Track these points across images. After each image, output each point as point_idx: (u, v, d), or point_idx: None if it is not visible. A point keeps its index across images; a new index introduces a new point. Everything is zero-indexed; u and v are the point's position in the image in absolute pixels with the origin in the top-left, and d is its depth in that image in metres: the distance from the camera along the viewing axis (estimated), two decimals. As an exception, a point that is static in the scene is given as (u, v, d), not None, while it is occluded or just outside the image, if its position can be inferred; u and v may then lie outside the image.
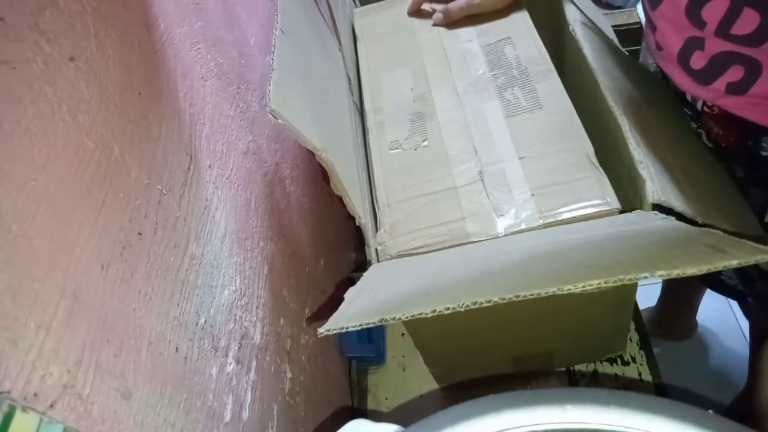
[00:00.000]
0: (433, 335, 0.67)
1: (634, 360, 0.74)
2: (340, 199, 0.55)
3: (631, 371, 0.73)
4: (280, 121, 0.46)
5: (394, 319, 0.41)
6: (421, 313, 0.40)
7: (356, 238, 1.01)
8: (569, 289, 0.38)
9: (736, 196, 0.63)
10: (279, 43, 0.54)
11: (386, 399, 0.80)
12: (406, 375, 0.82)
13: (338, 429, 0.40)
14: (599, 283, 0.38)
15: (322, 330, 0.42)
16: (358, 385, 0.81)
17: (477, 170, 0.59)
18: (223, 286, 0.44)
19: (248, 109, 0.57)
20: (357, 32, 0.81)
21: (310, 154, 0.50)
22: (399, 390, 0.80)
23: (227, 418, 0.42)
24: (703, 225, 0.51)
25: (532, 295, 0.38)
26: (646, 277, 0.37)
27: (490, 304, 0.39)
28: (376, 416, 0.78)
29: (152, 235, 0.35)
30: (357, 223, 0.56)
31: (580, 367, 0.75)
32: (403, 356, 0.84)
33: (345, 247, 0.94)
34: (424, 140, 0.63)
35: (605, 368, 0.74)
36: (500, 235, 0.54)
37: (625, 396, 0.35)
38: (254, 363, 0.48)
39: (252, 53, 0.62)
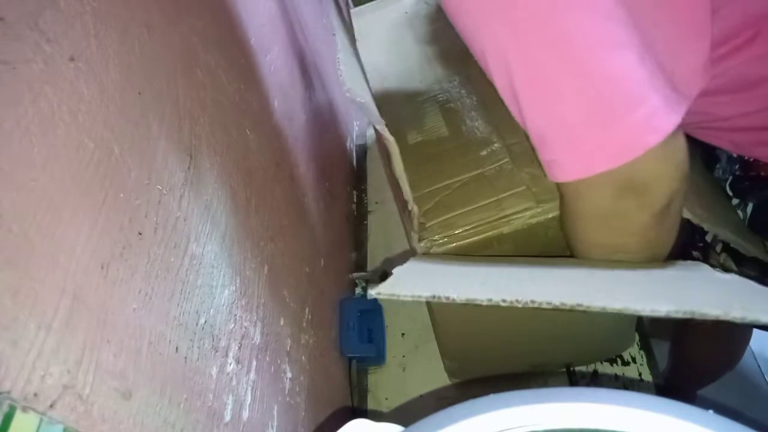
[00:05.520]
0: (458, 330, 0.66)
1: (634, 360, 0.74)
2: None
3: (631, 371, 0.73)
4: (358, 99, 0.45)
5: (447, 298, 0.40)
6: (476, 299, 0.39)
7: (356, 238, 1.01)
8: (636, 310, 0.36)
9: (731, 207, 0.65)
10: (338, 30, 0.54)
11: (386, 399, 0.80)
12: (406, 375, 0.82)
13: (338, 429, 0.40)
14: (668, 312, 0.36)
15: (373, 292, 0.41)
16: (358, 385, 0.81)
17: (504, 150, 0.58)
18: (223, 286, 0.44)
19: (249, 109, 0.57)
20: (357, 31, 0.81)
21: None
22: (399, 390, 0.80)
23: (227, 418, 0.42)
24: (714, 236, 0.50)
25: (597, 308, 0.37)
26: (718, 317, 0.36)
27: (549, 307, 0.38)
28: (376, 416, 0.78)
29: (152, 235, 0.35)
30: (408, 208, 0.55)
31: (580, 367, 0.74)
32: (403, 356, 0.84)
33: (345, 247, 0.94)
34: (442, 128, 0.63)
35: (605, 368, 0.74)
36: (536, 207, 0.53)
37: (625, 396, 0.35)
38: (254, 363, 0.48)
39: (252, 53, 0.62)
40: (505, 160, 0.58)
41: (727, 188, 0.66)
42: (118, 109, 0.33)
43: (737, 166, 0.64)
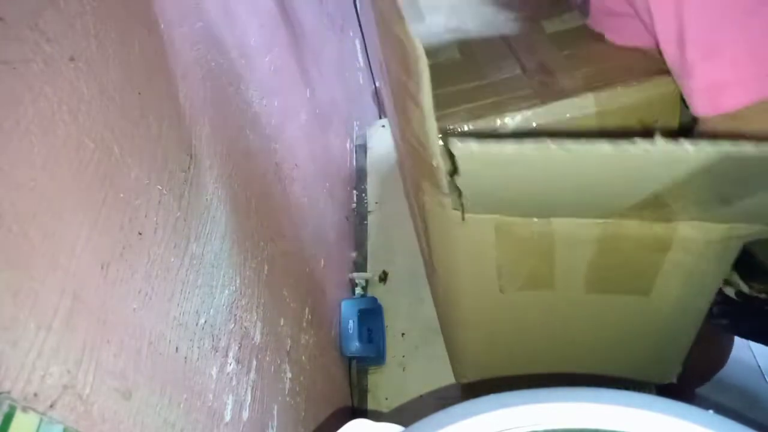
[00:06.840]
0: (475, 335, 0.66)
1: (634, 360, 0.74)
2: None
3: (631, 371, 0.73)
4: None
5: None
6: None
7: (356, 238, 1.01)
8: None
9: None
10: None
11: (386, 399, 0.80)
12: (406, 375, 0.82)
13: (338, 429, 0.40)
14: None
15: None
16: (358, 385, 0.82)
17: (517, 67, 0.59)
18: (223, 286, 0.44)
19: (248, 110, 0.57)
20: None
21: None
22: (399, 390, 0.80)
23: (227, 418, 0.42)
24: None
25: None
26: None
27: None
28: (376, 416, 0.78)
29: (152, 235, 0.35)
30: (434, 164, 0.55)
31: (580, 367, 0.74)
32: (403, 356, 0.84)
33: (345, 247, 0.94)
34: (456, 55, 0.63)
35: (605, 368, 0.74)
36: (541, 105, 0.53)
37: (625, 396, 0.35)
38: (254, 363, 0.48)
39: (252, 54, 0.62)
40: (517, 73, 0.58)
41: None
42: (118, 109, 0.33)
43: None
